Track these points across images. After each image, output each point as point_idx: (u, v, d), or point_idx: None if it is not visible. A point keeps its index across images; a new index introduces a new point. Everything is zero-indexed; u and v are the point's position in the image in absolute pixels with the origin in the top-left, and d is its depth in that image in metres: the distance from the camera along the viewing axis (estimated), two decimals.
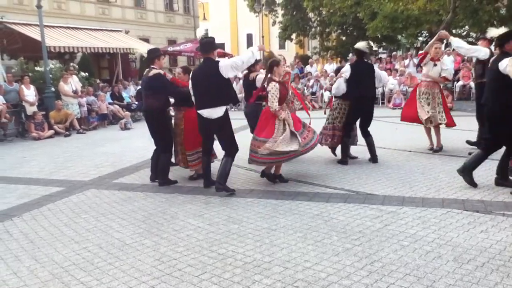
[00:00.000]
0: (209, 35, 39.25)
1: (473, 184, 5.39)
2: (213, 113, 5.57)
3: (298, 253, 3.79)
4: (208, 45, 5.73)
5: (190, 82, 5.75)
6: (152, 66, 6.22)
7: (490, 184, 5.47)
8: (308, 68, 19.10)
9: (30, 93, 12.03)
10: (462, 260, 3.51)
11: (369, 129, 7.05)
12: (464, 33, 23.61)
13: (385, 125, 10.83)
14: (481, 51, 6.67)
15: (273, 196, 5.48)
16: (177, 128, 6.42)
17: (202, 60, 5.87)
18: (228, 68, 5.52)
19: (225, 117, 5.67)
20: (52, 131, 11.59)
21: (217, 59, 5.79)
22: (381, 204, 4.97)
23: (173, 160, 6.61)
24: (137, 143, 10.10)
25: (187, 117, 6.24)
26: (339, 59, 28.34)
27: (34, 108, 11.87)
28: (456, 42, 6.91)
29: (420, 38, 26.62)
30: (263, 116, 5.90)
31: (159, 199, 5.62)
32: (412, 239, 3.97)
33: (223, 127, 5.70)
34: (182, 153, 6.42)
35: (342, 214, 4.71)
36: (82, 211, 5.26)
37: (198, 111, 5.64)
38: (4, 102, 11.53)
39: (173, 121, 6.63)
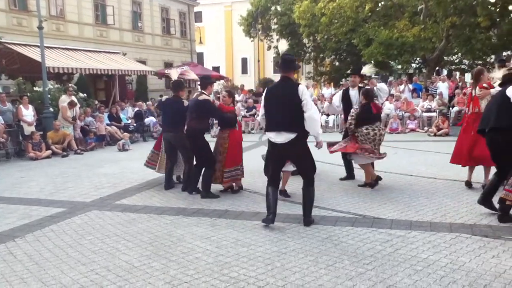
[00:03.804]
0: (205, 58, 39.79)
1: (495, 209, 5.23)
2: (281, 137, 5.03)
3: (311, 277, 3.75)
4: (291, 63, 5.28)
5: (263, 100, 5.32)
6: (202, 91, 6.74)
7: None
8: None
9: (28, 113, 11.97)
10: (477, 285, 3.49)
11: None
12: (457, 60, 24.05)
13: (384, 149, 10.84)
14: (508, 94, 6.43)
15: (279, 219, 5.42)
16: (220, 147, 6.74)
17: (281, 78, 5.29)
18: (306, 92, 5.09)
19: (298, 142, 5.05)
20: (49, 151, 11.48)
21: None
22: (389, 228, 4.96)
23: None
24: (136, 164, 10.00)
25: (231, 136, 6.64)
26: (332, 84, 28.68)
27: (32, 128, 11.79)
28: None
29: (413, 65, 27.06)
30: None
31: (164, 221, 5.56)
32: (424, 263, 3.95)
33: (296, 154, 5.18)
34: (220, 170, 6.69)
35: (351, 238, 4.69)
36: (86, 233, 5.18)
37: (267, 133, 5.20)
38: (3, 122, 11.45)
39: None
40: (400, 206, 5.86)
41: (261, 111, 5.46)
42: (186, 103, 7.08)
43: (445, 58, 23.63)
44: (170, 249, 4.54)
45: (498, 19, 19.43)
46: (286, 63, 5.21)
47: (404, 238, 4.62)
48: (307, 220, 5.19)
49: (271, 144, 5.19)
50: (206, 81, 6.93)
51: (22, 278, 3.97)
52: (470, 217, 5.28)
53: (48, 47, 15.91)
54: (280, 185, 6.18)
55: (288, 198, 6.43)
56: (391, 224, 5.09)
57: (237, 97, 16.09)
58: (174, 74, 7.65)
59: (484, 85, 6.43)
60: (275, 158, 5.32)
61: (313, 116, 4.99)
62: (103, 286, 3.73)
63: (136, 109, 16.13)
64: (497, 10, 19.24)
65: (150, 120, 15.71)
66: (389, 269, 3.85)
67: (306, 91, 5.07)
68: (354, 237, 4.71)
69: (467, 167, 6.77)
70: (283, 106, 5.02)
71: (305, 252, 4.31)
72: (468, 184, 6.72)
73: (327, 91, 18.79)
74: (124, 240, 4.87)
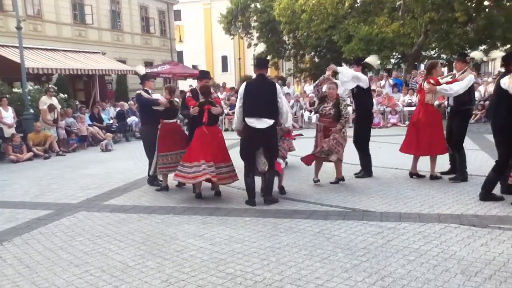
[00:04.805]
0: (184, 57, 39.56)
1: (499, 198, 5.61)
2: (262, 123, 5.81)
3: (307, 270, 3.79)
4: (265, 61, 6.43)
5: (243, 93, 5.94)
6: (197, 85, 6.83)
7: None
8: (285, 89, 19.35)
9: (8, 115, 11.69)
10: (469, 273, 3.58)
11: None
12: (436, 55, 24.43)
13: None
14: (454, 89, 6.48)
15: (270, 215, 5.47)
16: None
17: (257, 74, 6.12)
18: (280, 90, 6.04)
19: (274, 128, 5.97)
20: (31, 154, 11.25)
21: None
22: (379, 220, 5.04)
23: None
24: (120, 164, 9.94)
25: (196, 133, 6.34)
26: (313, 80, 28.80)
27: (13, 130, 11.53)
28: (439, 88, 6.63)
29: (392, 60, 27.37)
30: None
31: (155, 220, 5.53)
32: (417, 253, 4.03)
33: (269, 139, 5.94)
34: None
35: (343, 231, 4.75)
36: (77, 234, 5.12)
37: (246, 119, 5.86)
38: None
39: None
40: (388, 198, 5.96)
41: (238, 103, 6.06)
42: (143, 94, 7.24)
43: (424, 53, 23.99)
44: (164, 248, 4.53)
45: (474, 14, 19.81)
46: (262, 62, 6.20)
47: (394, 229, 4.70)
48: (270, 198, 5.95)
49: (252, 130, 5.86)
50: (204, 76, 6.92)
51: (14, 281, 3.91)
52: (457, 207, 5.40)
53: (26, 48, 15.51)
54: (277, 182, 6.37)
55: (284, 194, 6.41)
56: (381, 217, 5.17)
57: (220, 95, 16.03)
58: (140, 69, 7.91)
59: (431, 81, 6.67)
60: (252, 143, 5.94)
61: (288, 111, 6.21)
62: (98, 286, 3.70)
63: (118, 109, 15.96)
64: (473, 5, 19.61)
65: (132, 120, 15.54)
66: (383, 260, 3.91)
67: (280, 90, 6.03)
68: (346, 230, 4.77)
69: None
70: (264, 98, 5.84)
71: (299, 247, 4.35)
72: (412, 174, 7.14)
73: (309, 87, 18.86)
74: (116, 240, 4.83)
